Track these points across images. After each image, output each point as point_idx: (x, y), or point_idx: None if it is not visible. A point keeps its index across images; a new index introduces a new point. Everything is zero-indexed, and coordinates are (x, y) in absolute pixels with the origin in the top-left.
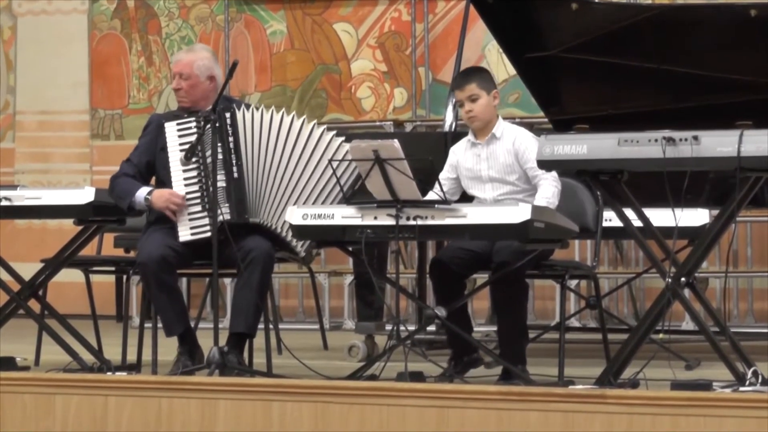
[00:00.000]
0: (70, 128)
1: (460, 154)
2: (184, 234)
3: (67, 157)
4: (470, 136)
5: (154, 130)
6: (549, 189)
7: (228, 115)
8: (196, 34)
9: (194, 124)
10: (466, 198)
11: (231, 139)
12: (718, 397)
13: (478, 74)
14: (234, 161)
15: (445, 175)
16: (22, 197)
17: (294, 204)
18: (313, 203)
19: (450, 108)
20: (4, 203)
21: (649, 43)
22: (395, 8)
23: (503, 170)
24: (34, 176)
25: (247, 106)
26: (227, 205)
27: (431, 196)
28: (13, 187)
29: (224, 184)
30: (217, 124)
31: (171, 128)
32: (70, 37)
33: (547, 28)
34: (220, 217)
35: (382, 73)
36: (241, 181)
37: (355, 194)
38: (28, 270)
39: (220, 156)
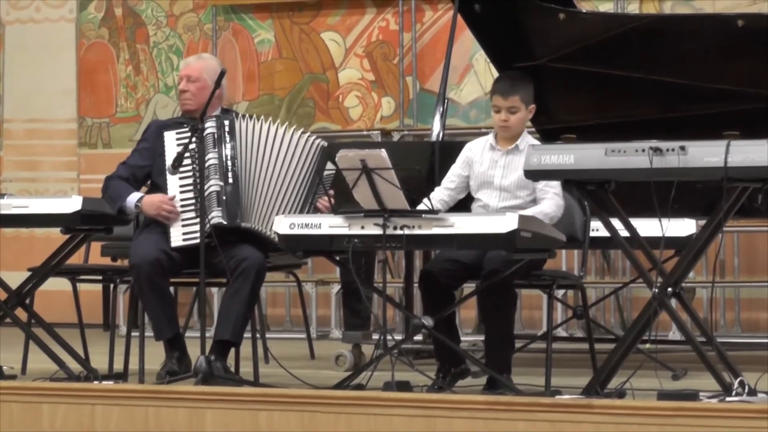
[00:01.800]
0: (57, 136)
1: (477, 154)
2: (176, 239)
3: (54, 166)
4: (491, 139)
5: (153, 136)
6: (548, 208)
7: (227, 123)
8: (184, 43)
9: (190, 133)
10: (461, 204)
11: (230, 145)
12: (705, 407)
13: (524, 87)
14: (230, 167)
15: (457, 170)
16: (10, 206)
17: (287, 211)
18: (307, 211)
19: (438, 117)
20: None
21: (637, 53)
22: (383, 17)
23: (516, 183)
24: (21, 185)
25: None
26: (219, 209)
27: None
28: (1, 195)
29: (218, 189)
30: (205, 133)
31: (170, 137)
32: (58, 46)
33: (535, 37)
34: (214, 220)
35: (369, 82)
36: (236, 186)
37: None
38: (15, 279)
39: (215, 161)
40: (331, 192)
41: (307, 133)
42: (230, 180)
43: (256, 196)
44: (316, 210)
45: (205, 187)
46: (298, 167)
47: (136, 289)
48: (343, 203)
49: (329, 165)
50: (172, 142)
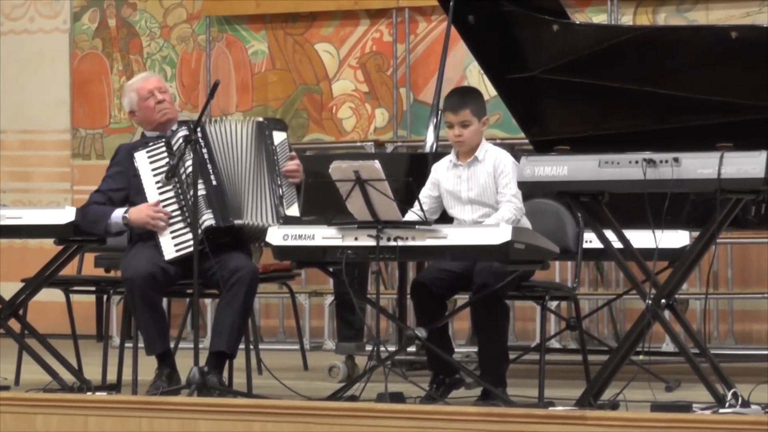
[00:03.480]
0: (51, 147)
1: (441, 173)
2: (169, 252)
3: (48, 177)
4: (452, 157)
5: (124, 159)
6: (507, 213)
7: (198, 129)
8: (177, 54)
9: (164, 147)
10: (446, 218)
11: (204, 150)
12: (698, 418)
13: (474, 100)
14: (210, 170)
15: (427, 192)
16: (3, 217)
17: (269, 196)
18: (281, 185)
19: (431, 129)
20: None
21: (631, 64)
22: (377, 29)
23: (482, 193)
24: (15, 195)
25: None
26: (209, 211)
27: (411, 214)
28: None
29: (204, 193)
30: (179, 143)
31: (141, 156)
32: (52, 57)
33: (529, 49)
34: (207, 223)
35: (363, 93)
36: (221, 186)
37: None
38: (8, 289)
39: (196, 167)
40: (293, 154)
41: (248, 118)
42: (213, 182)
43: (240, 191)
44: (287, 179)
45: (191, 195)
46: (260, 153)
47: (129, 303)
48: (337, 214)
49: (276, 135)
50: (144, 161)
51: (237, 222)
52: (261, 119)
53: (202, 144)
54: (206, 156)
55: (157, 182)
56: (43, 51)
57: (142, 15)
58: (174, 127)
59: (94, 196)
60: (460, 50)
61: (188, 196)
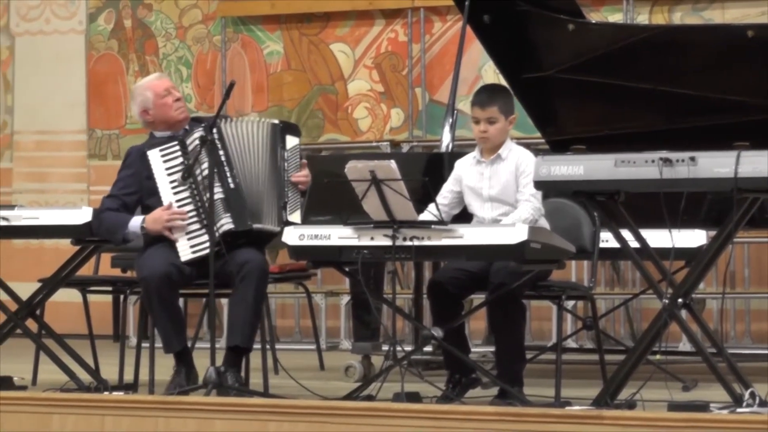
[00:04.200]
0: (67, 148)
1: (464, 170)
2: (185, 253)
3: (64, 177)
4: (476, 153)
5: (136, 161)
6: (525, 213)
7: (215, 130)
8: (193, 55)
9: (178, 147)
10: (466, 215)
11: (221, 152)
12: (715, 418)
13: (502, 97)
14: (228, 172)
15: (449, 187)
16: (20, 217)
17: (278, 204)
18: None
19: (447, 128)
20: (2, 223)
21: (646, 63)
22: (392, 29)
23: (504, 191)
24: (31, 196)
25: (226, 118)
26: (227, 215)
27: (427, 214)
28: (11, 207)
29: (222, 196)
30: (195, 144)
31: (155, 155)
32: (68, 57)
33: (544, 48)
34: (225, 227)
35: (378, 93)
36: (239, 189)
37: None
38: (25, 290)
39: (213, 169)
40: (304, 162)
41: (263, 119)
42: (231, 184)
43: (256, 194)
44: (295, 186)
45: (207, 197)
46: (273, 156)
47: (145, 303)
48: (353, 214)
49: (288, 139)
50: (158, 160)
51: (256, 226)
52: (276, 122)
53: (219, 145)
54: (223, 157)
55: (172, 182)
56: (59, 52)
57: (158, 16)
58: (186, 127)
59: (107, 201)
60: (476, 50)
61: (204, 198)
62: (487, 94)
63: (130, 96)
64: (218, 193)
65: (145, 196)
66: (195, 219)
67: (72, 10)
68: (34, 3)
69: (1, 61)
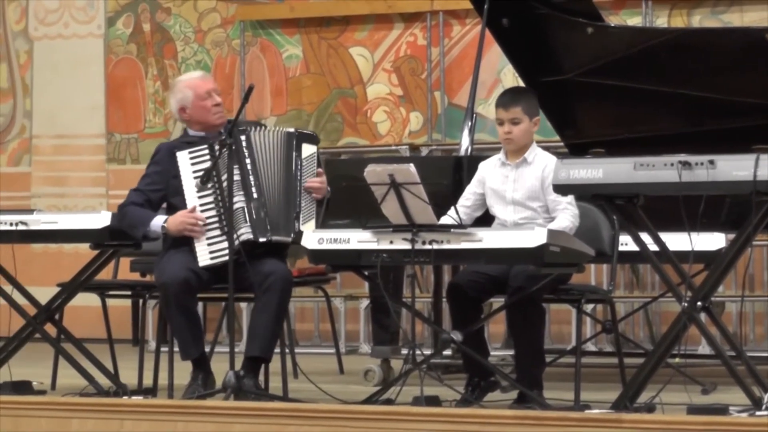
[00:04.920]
0: (86, 152)
1: (488, 172)
2: (204, 259)
3: (83, 181)
4: (501, 156)
5: (164, 159)
6: (565, 221)
7: (243, 137)
8: (211, 59)
9: (207, 150)
10: (481, 221)
11: (248, 161)
12: (735, 421)
13: (526, 98)
14: (252, 182)
15: (472, 189)
16: (39, 221)
17: (305, 213)
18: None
19: (466, 132)
20: (21, 228)
21: (665, 66)
22: (411, 32)
23: (528, 195)
24: (50, 200)
25: (258, 125)
26: (247, 224)
27: (446, 218)
28: (30, 211)
29: (243, 205)
30: (233, 147)
31: (183, 156)
32: (86, 61)
33: (563, 52)
34: (244, 236)
35: (397, 97)
36: (261, 200)
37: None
38: (44, 294)
39: (237, 177)
40: (320, 170)
41: (279, 128)
42: (254, 195)
43: (276, 204)
44: (309, 195)
45: (227, 204)
46: (289, 165)
47: (163, 308)
48: (372, 218)
49: (305, 148)
50: (186, 162)
51: (275, 238)
52: (292, 130)
53: (246, 153)
54: (249, 166)
55: (197, 185)
56: (78, 56)
57: (177, 20)
58: (222, 130)
59: (133, 195)
60: (495, 53)
61: (227, 204)
62: (510, 96)
63: (170, 88)
64: (240, 202)
65: (170, 195)
66: (216, 225)
67: (91, 14)
68: (52, 7)
69: (19, 65)
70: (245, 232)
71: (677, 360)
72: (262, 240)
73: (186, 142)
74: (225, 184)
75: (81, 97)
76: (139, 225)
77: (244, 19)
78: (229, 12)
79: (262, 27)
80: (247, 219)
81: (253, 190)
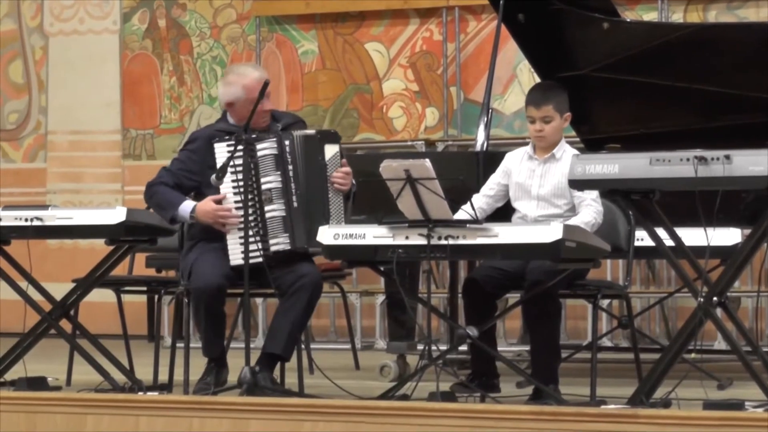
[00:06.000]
0: (101, 148)
1: (515, 164)
2: (236, 258)
3: (98, 177)
4: (529, 149)
5: (202, 148)
6: (588, 216)
7: (287, 142)
8: (227, 54)
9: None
10: (501, 213)
11: (290, 167)
12: (751, 416)
13: (557, 94)
14: (294, 190)
15: (496, 179)
16: (54, 217)
17: (334, 217)
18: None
19: (482, 127)
20: (36, 223)
21: (681, 62)
22: (427, 28)
23: (554, 192)
24: (65, 196)
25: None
26: (286, 235)
27: (462, 213)
28: (45, 207)
29: (284, 214)
30: (265, 152)
31: (221, 148)
32: (102, 57)
33: (579, 47)
34: (280, 246)
35: (413, 92)
36: (300, 209)
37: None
38: (59, 290)
39: (279, 184)
40: (344, 161)
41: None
42: (295, 203)
43: (315, 216)
44: (338, 191)
45: (267, 208)
46: (317, 168)
47: (193, 311)
48: (387, 213)
49: (327, 149)
50: (223, 155)
51: (313, 250)
52: (313, 132)
53: (289, 159)
54: (291, 173)
55: (233, 180)
56: (93, 52)
57: (192, 15)
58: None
59: (164, 174)
60: (511, 49)
61: (265, 210)
62: (541, 93)
63: (225, 75)
64: (280, 212)
65: (204, 186)
66: (252, 225)
67: (106, 10)
68: (68, 3)
69: (35, 61)
70: (282, 242)
71: (693, 355)
72: (298, 251)
73: (223, 131)
74: (265, 186)
75: (96, 93)
76: (168, 206)
77: (260, 14)
78: (244, 7)
79: (278, 22)
80: (286, 229)
81: (294, 198)
